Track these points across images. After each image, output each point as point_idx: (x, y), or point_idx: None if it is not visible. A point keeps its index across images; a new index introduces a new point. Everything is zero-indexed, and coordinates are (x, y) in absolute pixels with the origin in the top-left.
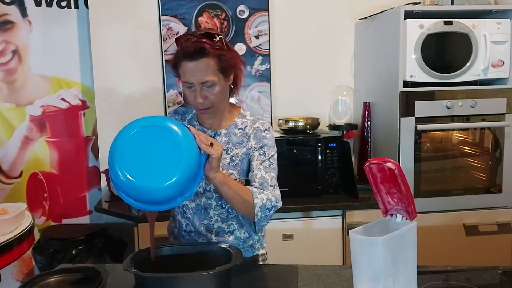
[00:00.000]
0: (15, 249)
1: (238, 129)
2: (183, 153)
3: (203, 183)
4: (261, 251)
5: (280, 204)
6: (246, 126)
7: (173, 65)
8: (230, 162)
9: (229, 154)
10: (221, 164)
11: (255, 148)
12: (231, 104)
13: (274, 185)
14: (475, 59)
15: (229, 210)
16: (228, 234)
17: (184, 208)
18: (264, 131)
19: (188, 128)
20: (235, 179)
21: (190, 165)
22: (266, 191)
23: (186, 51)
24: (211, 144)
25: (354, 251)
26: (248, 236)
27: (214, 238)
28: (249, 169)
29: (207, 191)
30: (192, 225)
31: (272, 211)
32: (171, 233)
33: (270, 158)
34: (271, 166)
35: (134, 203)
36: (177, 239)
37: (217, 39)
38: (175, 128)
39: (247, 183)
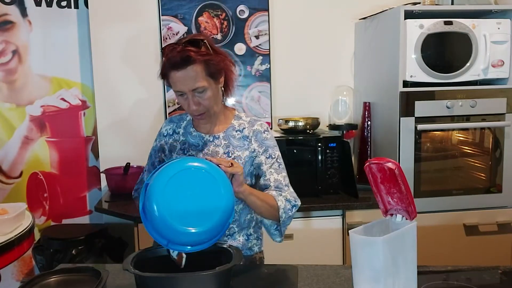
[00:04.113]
0: (15, 249)
1: (236, 131)
2: (222, 191)
3: None
4: (259, 255)
5: (299, 202)
6: (244, 128)
7: (162, 76)
8: None
9: (230, 156)
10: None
11: (259, 152)
12: (225, 106)
13: (288, 183)
14: (475, 59)
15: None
16: (228, 237)
17: None
18: (264, 132)
19: (209, 159)
20: None
21: (230, 201)
22: (284, 193)
23: (172, 61)
24: (232, 164)
25: (354, 251)
26: (246, 239)
27: None
28: (255, 173)
29: None
30: None
31: (293, 211)
32: None
33: (277, 159)
34: (280, 166)
35: (173, 247)
36: None
37: (201, 44)
38: (207, 167)
39: (260, 188)
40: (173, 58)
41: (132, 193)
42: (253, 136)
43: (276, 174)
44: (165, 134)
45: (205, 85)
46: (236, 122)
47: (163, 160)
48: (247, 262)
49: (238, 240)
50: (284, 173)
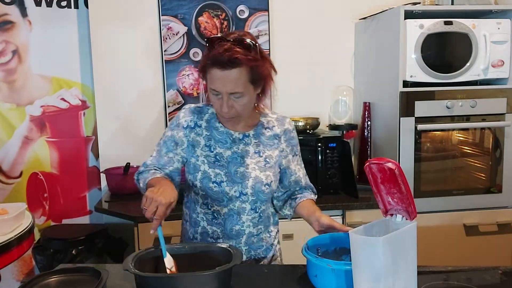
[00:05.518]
0: (15, 249)
1: (266, 129)
2: None
3: (240, 187)
4: (278, 246)
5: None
6: (274, 126)
7: (202, 68)
8: (265, 164)
9: (261, 156)
10: (257, 166)
11: (287, 151)
12: None
13: (306, 173)
14: (475, 59)
15: (261, 214)
16: (255, 236)
17: (214, 214)
18: (292, 131)
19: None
20: (271, 181)
21: None
22: (312, 191)
23: (218, 59)
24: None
25: (354, 251)
26: (269, 236)
27: (243, 243)
28: (281, 171)
29: (243, 195)
30: (220, 232)
31: None
32: (189, 240)
33: (299, 154)
34: (300, 159)
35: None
36: None
37: (252, 48)
38: None
39: (288, 183)
40: (220, 56)
41: (135, 175)
42: (283, 135)
43: (301, 168)
44: (185, 126)
45: (244, 91)
46: (264, 119)
47: (182, 156)
48: (268, 260)
49: (264, 239)
50: (303, 165)
